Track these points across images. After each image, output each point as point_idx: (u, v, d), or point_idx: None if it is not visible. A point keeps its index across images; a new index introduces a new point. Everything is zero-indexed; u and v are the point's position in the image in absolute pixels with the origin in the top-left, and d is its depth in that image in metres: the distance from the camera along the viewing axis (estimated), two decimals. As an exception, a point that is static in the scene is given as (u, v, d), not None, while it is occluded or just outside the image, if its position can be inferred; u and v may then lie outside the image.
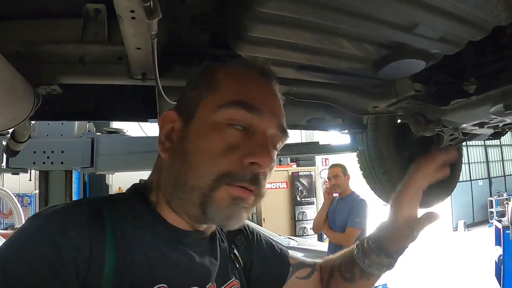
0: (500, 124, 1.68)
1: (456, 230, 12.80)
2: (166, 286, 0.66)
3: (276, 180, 10.01)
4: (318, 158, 10.60)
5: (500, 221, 4.62)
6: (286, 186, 10.09)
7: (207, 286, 0.74)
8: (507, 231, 4.31)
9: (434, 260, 8.71)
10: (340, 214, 3.88)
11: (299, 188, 10.05)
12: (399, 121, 2.23)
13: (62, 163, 2.97)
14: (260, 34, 0.98)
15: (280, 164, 10.30)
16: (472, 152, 14.63)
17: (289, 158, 10.63)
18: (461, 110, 1.56)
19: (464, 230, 12.57)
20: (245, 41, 1.02)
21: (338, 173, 3.96)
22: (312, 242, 7.46)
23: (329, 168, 4.13)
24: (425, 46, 1.19)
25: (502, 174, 15.59)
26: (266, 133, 0.71)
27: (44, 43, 1.13)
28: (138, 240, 0.67)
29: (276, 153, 0.75)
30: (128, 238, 0.66)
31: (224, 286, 0.80)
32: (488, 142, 15.02)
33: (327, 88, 1.60)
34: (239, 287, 0.84)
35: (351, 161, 2.56)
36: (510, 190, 14.17)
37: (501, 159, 15.79)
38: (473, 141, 14.03)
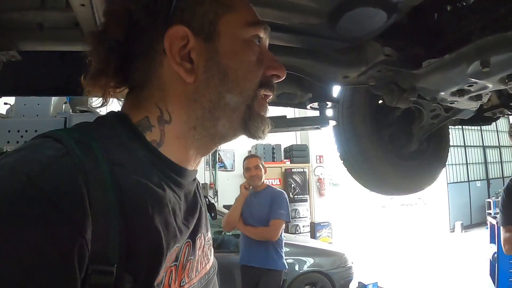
0: (483, 93, 1.53)
1: (453, 231, 12.64)
2: (178, 245, 0.64)
3: (269, 177, 9.85)
4: (313, 155, 10.46)
5: (495, 218, 4.45)
6: (279, 183, 9.94)
7: (196, 237, 0.72)
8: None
9: (429, 261, 8.56)
10: (259, 208, 3.65)
11: (292, 185, 9.89)
12: (380, 101, 2.09)
13: (35, 142, 3.03)
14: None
15: (273, 161, 10.17)
16: (470, 152, 14.48)
17: (282, 155, 10.50)
18: (436, 74, 1.43)
19: (461, 232, 12.41)
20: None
21: (258, 164, 3.73)
22: (308, 239, 7.31)
23: (246, 159, 3.84)
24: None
25: (501, 176, 15.43)
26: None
27: (6, 10, 1.14)
28: (143, 188, 0.60)
29: None
30: (130, 188, 0.58)
31: (207, 237, 0.80)
32: (486, 143, 14.94)
33: (291, 55, 1.50)
34: (211, 243, 0.83)
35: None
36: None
37: (499, 160, 15.64)
38: (471, 142, 14.20)
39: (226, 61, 0.67)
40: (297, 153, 10.14)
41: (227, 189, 9.81)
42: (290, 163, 10.28)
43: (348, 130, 2.03)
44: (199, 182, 0.82)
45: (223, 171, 10.06)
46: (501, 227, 2.61)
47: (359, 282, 6.03)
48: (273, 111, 1.20)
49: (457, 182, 13.60)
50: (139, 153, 0.63)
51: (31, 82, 1.69)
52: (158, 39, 0.65)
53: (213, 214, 0.86)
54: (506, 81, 1.40)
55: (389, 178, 2.09)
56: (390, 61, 1.47)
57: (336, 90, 1.94)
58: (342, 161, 2.22)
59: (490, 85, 1.49)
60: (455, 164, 13.64)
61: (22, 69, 1.37)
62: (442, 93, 1.53)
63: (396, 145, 2.17)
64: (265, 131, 0.72)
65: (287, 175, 9.98)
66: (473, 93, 1.57)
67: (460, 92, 1.51)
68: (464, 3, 1.49)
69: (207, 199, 0.86)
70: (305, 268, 5.30)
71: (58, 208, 0.48)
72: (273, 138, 10.00)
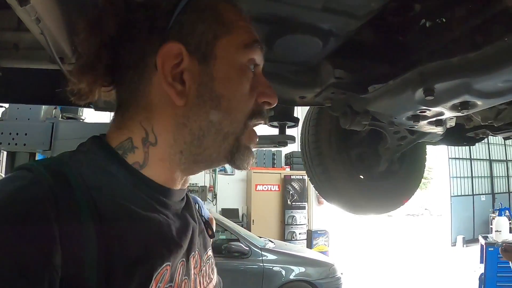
0: (444, 118, 1.47)
1: (455, 245, 12.48)
2: (170, 263, 0.60)
3: (268, 183, 9.84)
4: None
5: (485, 238, 4.36)
6: (277, 189, 9.89)
7: (190, 256, 0.69)
8: (489, 249, 4.05)
9: (425, 275, 8.45)
10: None
11: (291, 192, 9.83)
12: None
13: (24, 144, 3.27)
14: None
15: (273, 167, 10.14)
16: (476, 166, 14.29)
17: (283, 161, 10.47)
18: (384, 99, 1.37)
19: (463, 246, 12.27)
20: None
21: None
22: (299, 248, 7.24)
23: None
24: (309, 19, 1.07)
25: (507, 190, 15.16)
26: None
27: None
28: (123, 211, 0.57)
29: None
30: (109, 211, 0.55)
31: (206, 256, 0.77)
32: (493, 157, 14.70)
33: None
34: (213, 261, 0.81)
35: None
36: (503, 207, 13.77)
37: (506, 174, 15.37)
38: (477, 155, 13.97)
39: (220, 89, 0.63)
40: (298, 160, 10.05)
41: (227, 193, 9.81)
42: (290, 169, 10.23)
43: (313, 149, 1.99)
44: (193, 200, 0.80)
45: (223, 175, 10.04)
46: None
47: (347, 293, 5.95)
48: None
49: (461, 196, 13.41)
50: (119, 176, 0.60)
51: (19, 91, 1.76)
52: (151, 52, 0.61)
53: (210, 233, 0.83)
54: (459, 108, 1.35)
55: (353, 198, 2.04)
56: (341, 84, 1.42)
57: (297, 110, 1.90)
58: (309, 179, 2.18)
59: (445, 112, 1.44)
60: (460, 177, 13.46)
61: (10, 78, 1.41)
62: (396, 118, 1.47)
63: (366, 165, 2.12)
64: (250, 163, 0.69)
65: (286, 181, 9.92)
66: (431, 119, 1.52)
67: (415, 118, 1.45)
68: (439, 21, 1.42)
69: (203, 218, 0.83)
70: (292, 276, 5.31)
71: (22, 236, 0.47)
72: (274, 144, 9.94)
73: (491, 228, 12.12)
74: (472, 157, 14.08)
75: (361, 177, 2.08)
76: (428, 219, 23.73)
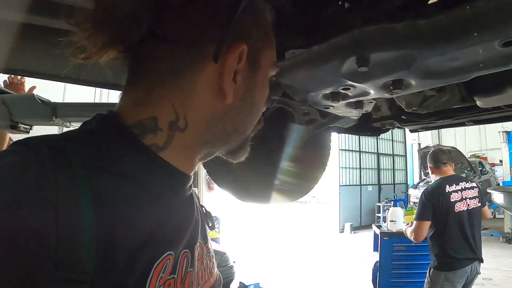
0: (364, 99, 1.23)
1: (343, 232, 13.12)
2: (172, 253, 0.57)
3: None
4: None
5: (379, 227, 4.48)
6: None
7: (194, 247, 0.65)
8: (384, 238, 4.18)
9: (315, 261, 8.64)
10: None
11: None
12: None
13: None
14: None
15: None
16: (365, 158, 15.11)
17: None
18: (302, 69, 1.10)
19: (350, 233, 12.91)
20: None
21: None
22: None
23: None
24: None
25: (392, 182, 16.42)
26: None
27: None
28: (127, 194, 0.53)
29: None
30: (112, 194, 0.51)
31: (206, 248, 0.74)
32: (381, 150, 15.82)
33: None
34: (213, 255, 0.78)
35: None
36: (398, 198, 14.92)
37: (392, 168, 16.60)
38: (366, 148, 14.97)
39: (258, 95, 0.67)
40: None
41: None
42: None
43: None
44: (194, 191, 0.76)
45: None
46: (415, 221, 3.17)
47: (240, 282, 5.79)
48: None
49: (349, 185, 14.17)
50: (130, 157, 0.56)
51: None
52: (210, 40, 0.58)
53: (210, 224, 0.81)
54: (391, 88, 1.11)
55: (251, 186, 1.77)
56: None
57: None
58: (203, 165, 1.85)
59: (372, 92, 1.19)
60: (349, 168, 14.19)
61: None
62: (313, 94, 1.20)
63: (267, 149, 1.84)
64: (244, 157, 0.72)
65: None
66: (352, 99, 1.27)
67: (334, 96, 1.20)
68: None
69: (203, 208, 0.80)
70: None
71: (16, 216, 0.44)
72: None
73: (378, 216, 13.13)
74: (361, 150, 14.95)
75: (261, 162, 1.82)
76: (316, 207, 25.05)
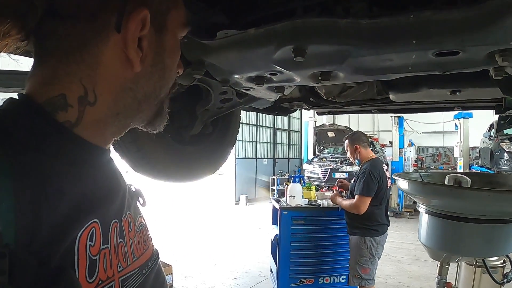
0: (286, 85, 1.20)
1: (238, 203, 13.42)
2: (97, 220, 0.57)
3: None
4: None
5: (278, 201, 4.62)
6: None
7: (122, 217, 0.65)
8: (284, 212, 4.34)
9: (212, 232, 8.72)
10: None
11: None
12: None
13: None
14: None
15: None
16: (261, 132, 15.48)
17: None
18: (232, 51, 1.04)
19: (246, 204, 13.24)
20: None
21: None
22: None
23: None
24: None
25: (287, 156, 17.11)
26: None
27: None
28: (47, 169, 0.53)
29: None
30: (32, 170, 0.51)
31: (138, 222, 0.73)
32: (277, 125, 16.34)
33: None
34: (147, 229, 0.77)
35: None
36: (292, 172, 15.57)
37: (287, 142, 17.26)
38: (263, 123, 15.34)
39: (168, 59, 0.66)
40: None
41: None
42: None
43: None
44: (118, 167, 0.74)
45: None
46: (358, 195, 3.57)
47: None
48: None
49: (245, 158, 14.47)
50: (46, 134, 0.55)
51: None
52: (110, 10, 0.58)
53: (142, 201, 0.78)
54: (319, 78, 1.10)
55: (160, 164, 1.67)
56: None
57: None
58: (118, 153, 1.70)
59: (298, 79, 1.16)
60: (246, 141, 14.46)
61: None
62: (237, 76, 1.14)
63: (177, 126, 1.75)
64: (163, 125, 0.72)
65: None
66: (275, 84, 1.23)
67: (259, 80, 1.16)
68: None
69: (132, 187, 0.77)
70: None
71: None
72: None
73: (272, 189, 13.62)
74: (258, 124, 15.29)
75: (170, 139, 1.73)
76: (211, 178, 25.26)
